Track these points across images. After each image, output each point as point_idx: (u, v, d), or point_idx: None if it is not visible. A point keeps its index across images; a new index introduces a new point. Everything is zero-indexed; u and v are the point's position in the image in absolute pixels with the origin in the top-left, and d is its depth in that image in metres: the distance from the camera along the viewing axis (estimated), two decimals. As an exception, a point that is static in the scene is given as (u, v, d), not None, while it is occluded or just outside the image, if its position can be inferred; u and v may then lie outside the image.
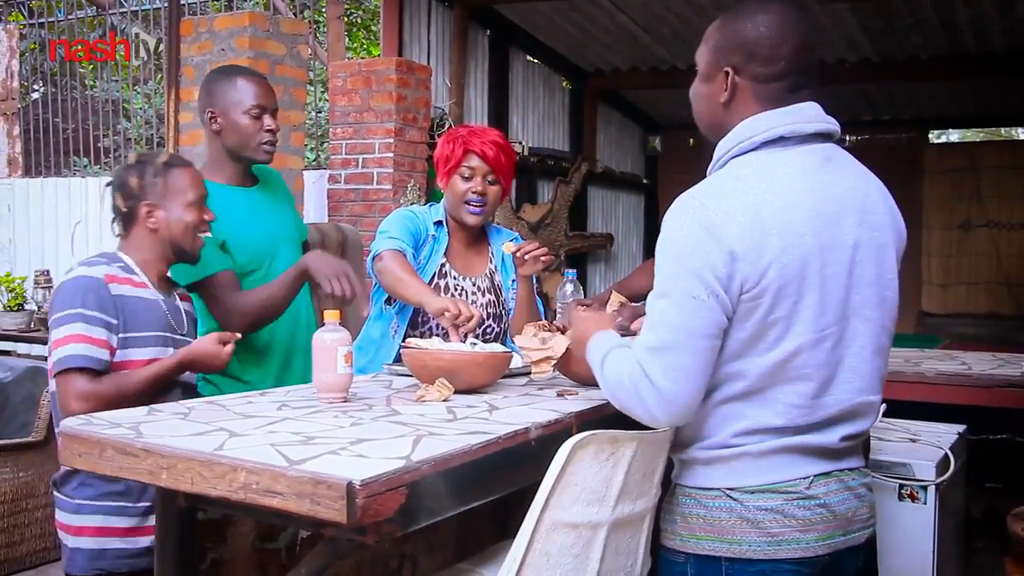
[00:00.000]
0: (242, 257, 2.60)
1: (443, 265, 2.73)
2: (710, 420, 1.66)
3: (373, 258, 2.59)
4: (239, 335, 2.33)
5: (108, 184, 2.37)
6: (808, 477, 1.65)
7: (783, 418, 1.62)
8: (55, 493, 2.25)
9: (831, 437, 1.67)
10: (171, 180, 2.31)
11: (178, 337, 2.32)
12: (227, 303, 2.51)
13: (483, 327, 2.73)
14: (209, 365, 2.27)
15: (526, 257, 2.63)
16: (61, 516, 2.23)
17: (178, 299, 2.41)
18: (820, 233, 1.60)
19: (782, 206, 1.58)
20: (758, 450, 1.63)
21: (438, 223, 2.76)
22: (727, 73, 1.70)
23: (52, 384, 2.19)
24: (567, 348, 2.14)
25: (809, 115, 1.68)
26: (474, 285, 2.75)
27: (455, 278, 2.73)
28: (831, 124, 1.70)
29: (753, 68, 1.68)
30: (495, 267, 2.82)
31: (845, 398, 1.67)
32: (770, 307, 1.57)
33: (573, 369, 2.21)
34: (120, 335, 2.19)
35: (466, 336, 2.30)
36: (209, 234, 2.39)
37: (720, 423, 1.64)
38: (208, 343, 2.25)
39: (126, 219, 2.32)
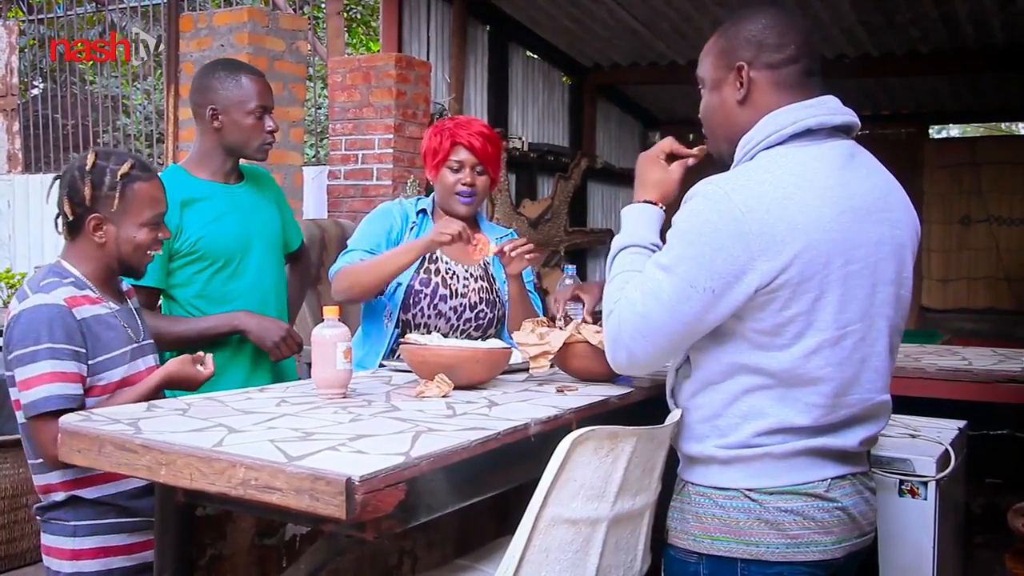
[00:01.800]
0: (212, 253, 2.59)
1: (433, 252, 2.74)
2: (729, 416, 1.64)
3: (333, 278, 2.64)
4: (209, 354, 2.24)
5: (56, 178, 2.17)
6: (826, 479, 1.64)
7: (806, 417, 1.61)
8: (40, 519, 2.13)
9: (851, 440, 1.66)
10: (128, 195, 2.11)
11: (140, 344, 2.21)
12: None
13: (476, 311, 2.73)
14: (188, 387, 2.16)
15: (513, 254, 2.61)
16: (52, 541, 2.11)
17: (127, 299, 2.28)
18: (846, 230, 1.60)
19: (810, 201, 1.57)
20: (781, 451, 1.62)
21: (422, 211, 2.78)
22: (740, 68, 1.69)
23: (20, 417, 2.06)
24: (564, 342, 2.14)
25: (832, 107, 1.69)
26: (466, 271, 2.76)
27: (447, 262, 2.75)
28: (853, 116, 1.71)
29: (766, 56, 1.68)
30: (489, 260, 2.83)
31: (868, 397, 1.66)
32: (789, 300, 1.56)
33: (572, 365, 2.21)
34: (89, 362, 2.05)
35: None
36: (160, 252, 2.26)
37: (740, 421, 1.63)
38: (182, 366, 2.12)
39: (72, 226, 2.13)
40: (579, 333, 2.16)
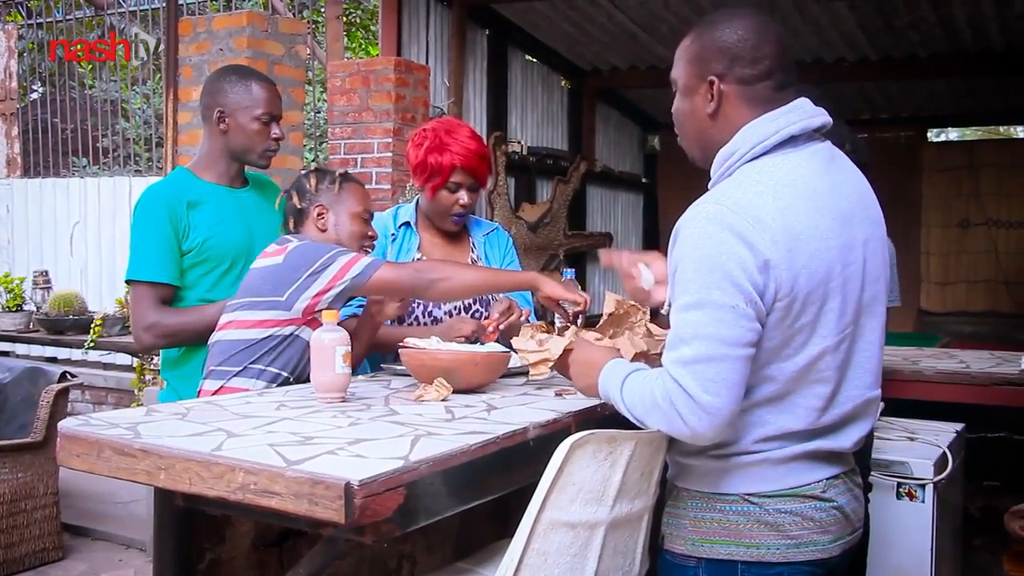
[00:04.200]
0: (218, 254, 2.60)
1: (418, 260, 2.74)
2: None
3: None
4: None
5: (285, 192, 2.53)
6: (822, 480, 1.65)
7: (803, 421, 1.61)
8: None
9: (845, 442, 1.67)
10: (344, 190, 2.45)
11: None
12: (147, 316, 2.51)
13: (471, 312, 2.75)
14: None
15: (501, 327, 2.56)
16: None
17: None
18: (840, 235, 1.60)
19: (807, 210, 1.57)
20: (779, 456, 1.62)
21: (405, 224, 2.77)
22: (711, 82, 1.67)
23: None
24: (564, 350, 2.13)
25: (809, 110, 1.68)
26: None
27: None
28: (826, 115, 1.70)
29: (738, 71, 1.66)
30: (477, 257, 2.84)
31: (857, 394, 1.67)
32: (799, 313, 1.55)
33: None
34: None
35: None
36: (372, 248, 2.51)
37: (740, 429, 1.61)
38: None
39: (298, 216, 2.45)
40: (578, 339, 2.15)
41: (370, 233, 2.48)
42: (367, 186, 5.61)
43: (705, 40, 1.70)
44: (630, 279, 2.06)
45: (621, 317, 2.26)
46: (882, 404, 3.38)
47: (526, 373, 2.30)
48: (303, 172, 2.51)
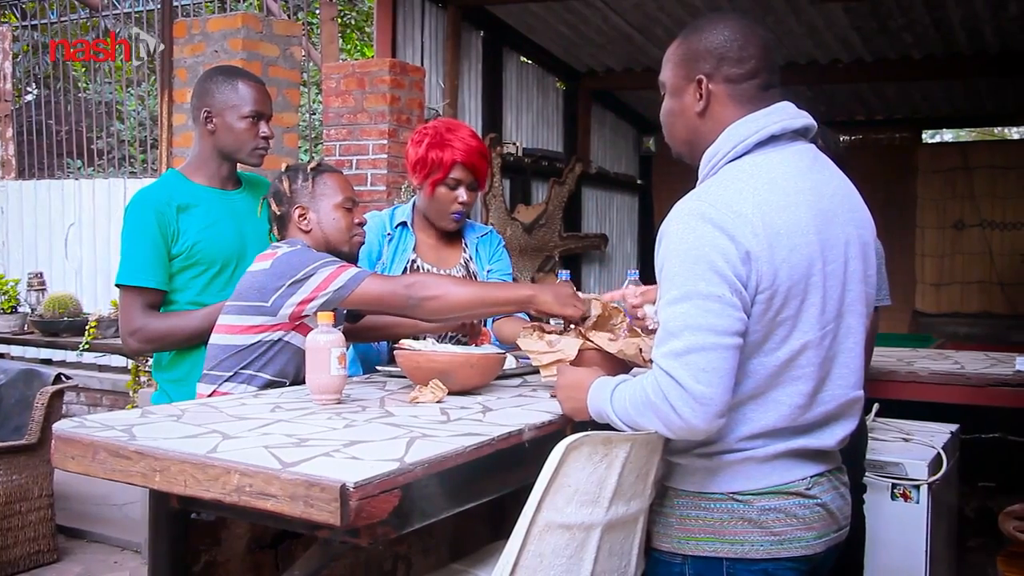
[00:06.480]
0: (208, 258, 2.59)
1: (413, 260, 2.74)
2: None
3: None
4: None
5: (263, 198, 2.50)
6: (807, 478, 1.67)
7: (786, 419, 1.63)
8: None
9: (829, 440, 1.69)
10: (319, 183, 2.39)
11: None
12: (133, 321, 2.51)
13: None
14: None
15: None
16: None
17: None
18: (820, 232, 1.63)
19: (787, 206, 1.60)
20: (763, 454, 1.64)
21: (402, 224, 2.77)
22: (700, 81, 1.71)
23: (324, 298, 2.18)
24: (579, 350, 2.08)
25: (791, 112, 1.72)
26: (447, 274, 2.76)
27: (427, 270, 2.74)
28: (810, 119, 1.74)
29: (725, 70, 1.70)
30: (469, 256, 2.84)
31: (840, 393, 1.69)
32: (780, 307, 1.58)
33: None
34: None
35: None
36: (363, 236, 2.45)
37: (725, 427, 1.62)
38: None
39: (280, 221, 2.41)
40: (589, 340, 2.13)
41: (357, 220, 2.41)
42: (363, 188, 5.67)
43: (692, 43, 1.75)
44: (639, 322, 2.10)
45: (605, 319, 2.25)
46: (877, 405, 3.40)
47: (522, 375, 2.30)
48: (277, 176, 2.46)
